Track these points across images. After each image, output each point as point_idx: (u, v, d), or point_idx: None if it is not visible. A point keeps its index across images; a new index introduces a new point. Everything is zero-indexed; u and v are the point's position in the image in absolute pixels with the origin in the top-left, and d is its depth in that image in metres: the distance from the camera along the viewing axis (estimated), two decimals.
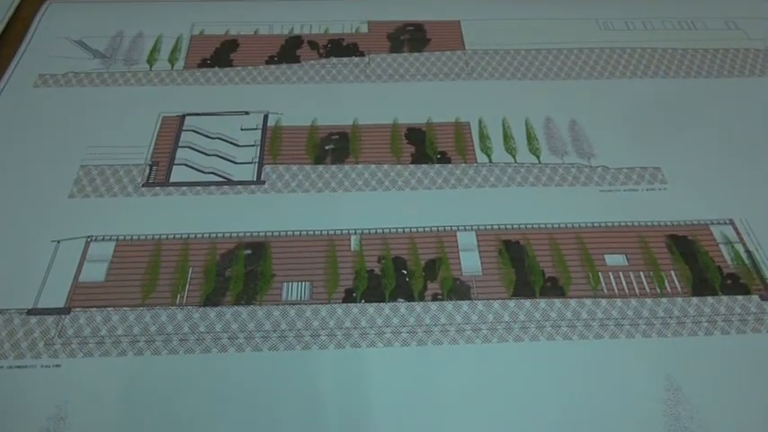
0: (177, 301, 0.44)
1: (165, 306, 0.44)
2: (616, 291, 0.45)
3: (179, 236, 0.48)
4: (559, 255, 0.47)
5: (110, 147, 0.53)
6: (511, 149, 0.54)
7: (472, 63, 0.62)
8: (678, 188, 0.51)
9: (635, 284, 0.46)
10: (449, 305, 0.44)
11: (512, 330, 0.43)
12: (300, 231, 0.48)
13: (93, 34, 0.63)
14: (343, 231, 0.48)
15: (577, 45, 0.64)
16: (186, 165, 0.53)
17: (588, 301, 0.45)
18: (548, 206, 0.50)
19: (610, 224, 0.49)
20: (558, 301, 0.45)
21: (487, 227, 0.49)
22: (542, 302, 0.45)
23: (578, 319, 0.44)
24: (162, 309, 0.44)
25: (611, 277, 0.46)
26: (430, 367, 0.41)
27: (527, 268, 0.47)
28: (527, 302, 0.45)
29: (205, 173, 0.52)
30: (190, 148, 0.54)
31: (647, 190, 0.51)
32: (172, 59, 0.62)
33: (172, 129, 0.55)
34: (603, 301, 0.45)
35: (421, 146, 0.54)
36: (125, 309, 0.44)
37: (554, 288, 0.45)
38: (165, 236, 0.48)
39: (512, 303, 0.45)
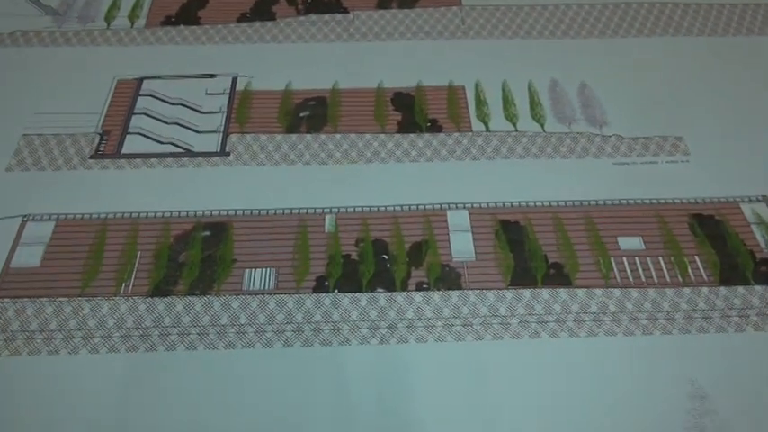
0: (122, 291, 0.40)
1: (108, 296, 0.39)
2: (631, 279, 0.41)
3: (128, 215, 0.43)
4: (565, 237, 0.43)
5: (57, 113, 0.49)
6: (511, 116, 0.50)
7: (469, 20, 0.57)
8: (703, 160, 0.47)
9: (653, 272, 0.41)
10: (435, 296, 0.40)
11: (509, 326, 0.39)
12: (267, 210, 0.44)
13: None
14: (317, 210, 0.44)
15: (588, 0, 0.58)
16: (141, 134, 0.48)
17: (598, 292, 0.40)
18: (553, 181, 0.46)
19: (624, 202, 0.45)
20: (563, 291, 0.40)
21: (482, 205, 0.44)
22: (545, 293, 0.40)
23: (586, 313, 0.39)
24: (103, 299, 0.39)
25: (626, 263, 0.42)
26: (412, 368, 0.37)
27: (528, 253, 0.42)
28: (527, 293, 0.40)
29: (162, 143, 0.47)
30: (146, 115, 0.49)
31: (668, 162, 0.47)
32: (132, 17, 0.56)
33: (127, 94, 0.50)
34: (616, 292, 0.40)
35: (409, 113, 0.50)
36: (61, 299, 0.39)
37: (559, 276, 0.41)
38: (112, 215, 0.43)
39: (509, 294, 0.40)
